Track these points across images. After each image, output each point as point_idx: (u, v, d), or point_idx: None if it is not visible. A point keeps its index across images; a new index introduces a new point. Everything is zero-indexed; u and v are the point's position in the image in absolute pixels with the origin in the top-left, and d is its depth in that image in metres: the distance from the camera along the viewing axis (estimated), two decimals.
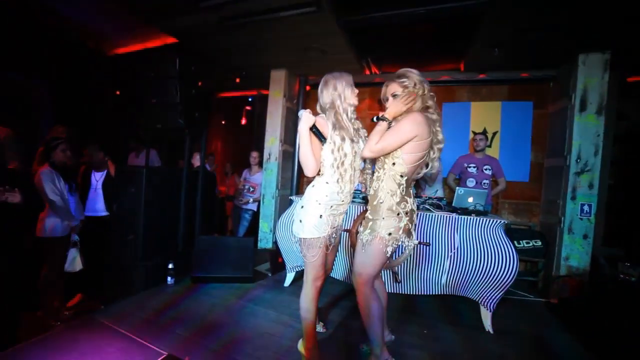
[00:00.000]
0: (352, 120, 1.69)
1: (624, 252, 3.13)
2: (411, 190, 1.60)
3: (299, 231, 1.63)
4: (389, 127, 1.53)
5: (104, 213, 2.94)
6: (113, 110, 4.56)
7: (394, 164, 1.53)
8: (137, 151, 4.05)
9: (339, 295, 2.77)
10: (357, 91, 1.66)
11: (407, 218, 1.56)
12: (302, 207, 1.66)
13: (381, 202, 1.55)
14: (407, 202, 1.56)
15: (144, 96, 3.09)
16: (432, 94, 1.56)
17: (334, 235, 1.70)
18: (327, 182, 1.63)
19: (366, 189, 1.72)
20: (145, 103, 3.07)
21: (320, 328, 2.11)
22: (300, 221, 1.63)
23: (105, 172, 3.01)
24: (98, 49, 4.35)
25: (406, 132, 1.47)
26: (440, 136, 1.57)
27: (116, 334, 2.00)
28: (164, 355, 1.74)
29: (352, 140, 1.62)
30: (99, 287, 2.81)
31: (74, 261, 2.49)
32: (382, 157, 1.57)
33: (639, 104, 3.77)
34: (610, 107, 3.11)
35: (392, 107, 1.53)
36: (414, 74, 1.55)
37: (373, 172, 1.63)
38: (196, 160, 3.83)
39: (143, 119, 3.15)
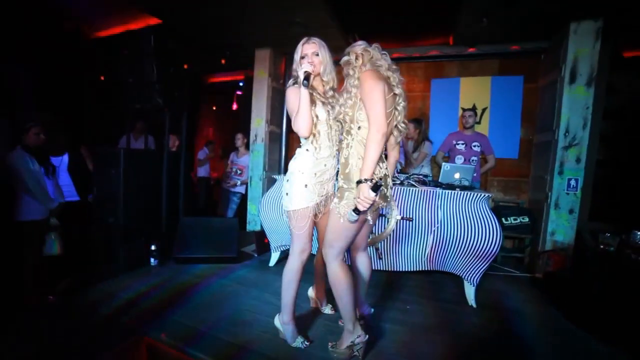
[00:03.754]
0: (327, 88, 1.68)
1: (612, 226, 3.12)
2: (382, 155, 1.54)
3: (288, 204, 1.63)
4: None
5: (74, 198, 2.86)
6: (96, 94, 4.45)
7: (359, 127, 1.47)
8: (135, 134, 3.94)
9: None
10: (308, 61, 1.60)
11: (382, 182, 1.51)
12: (287, 180, 1.65)
13: (353, 169, 1.50)
14: (380, 167, 1.51)
15: (121, 76, 2.99)
16: (383, 52, 1.49)
17: (323, 203, 1.66)
18: (307, 150, 1.62)
19: None
20: (123, 83, 2.97)
21: (328, 310, 2.10)
22: (287, 194, 1.63)
23: (65, 155, 2.89)
24: (79, 32, 4.20)
25: (378, 92, 1.38)
26: (398, 90, 1.48)
27: (94, 315, 1.99)
28: (140, 334, 1.73)
29: (323, 103, 1.61)
30: (82, 271, 2.80)
31: (53, 245, 2.45)
32: (347, 124, 1.51)
33: (634, 79, 3.69)
34: (600, 80, 3.03)
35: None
36: (355, 46, 1.50)
37: (341, 141, 1.56)
38: (172, 143, 3.75)
39: (122, 100, 3.06)
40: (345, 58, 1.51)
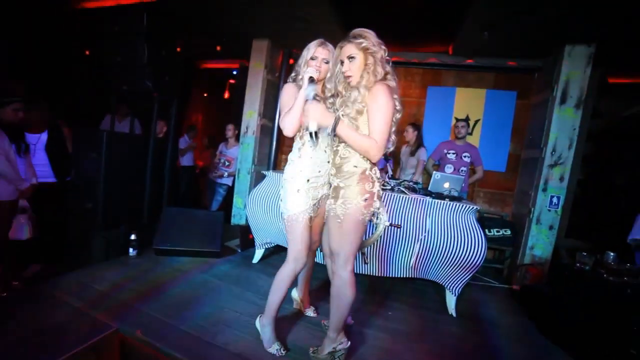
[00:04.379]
0: (327, 95, 1.62)
1: (586, 244, 3.25)
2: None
3: (283, 210, 1.62)
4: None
5: (50, 179, 2.68)
6: (80, 69, 4.19)
7: (357, 128, 1.44)
8: (119, 117, 3.72)
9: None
10: (317, 65, 1.55)
11: (379, 183, 1.50)
12: (282, 186, 1.64)
13: (355, 166, 1.46)
14: (376, 169, 1.50)
15: (109, 54, 2.82)
16: (388, 57, 1.44)
17: (317, 206, 1.63)
18: (300, 157, 1.60)
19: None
20: (110, 61, 2.81)
21: (311, 312, 2.07)
22: (282, 200, 1.63)
23: (44, 133, 2.69)
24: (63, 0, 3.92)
25: (389, 109, 1.38)
26: (398, 106, 1.46)
27: (64, 306, 1.88)
28: (113, 329, 1.65)
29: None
30: (54, 258, 2.65)
31: (21, 228, 2.30)
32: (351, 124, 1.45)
33: (616, 104, 3.86)
34: (587, 103, 3.13)
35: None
36: (371, 35, 1.42)
37: (334, 136, 1.45)
38: (160, 129, 3.59)
39: (109, 79, 2.90)
40: (362, 42, 1.39)
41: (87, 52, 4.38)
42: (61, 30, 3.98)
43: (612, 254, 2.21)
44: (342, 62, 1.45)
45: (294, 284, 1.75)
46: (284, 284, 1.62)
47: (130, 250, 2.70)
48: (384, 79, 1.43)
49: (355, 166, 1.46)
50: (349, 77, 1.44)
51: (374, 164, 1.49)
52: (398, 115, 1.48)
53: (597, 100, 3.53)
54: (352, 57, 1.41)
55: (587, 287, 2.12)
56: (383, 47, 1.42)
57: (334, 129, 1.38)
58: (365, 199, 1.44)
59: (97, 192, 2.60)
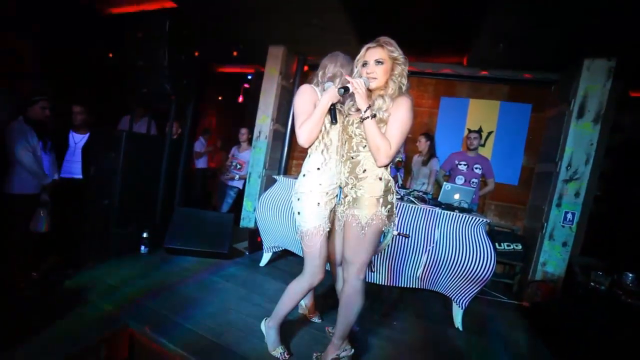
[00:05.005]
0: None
1: (603, 263, 3.15)
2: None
3: (301, 223, 1.58)
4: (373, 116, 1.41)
5: (79, 176, 2.83)
6: (104, 72, 4.37)
7: None
8: (136, 118, 3.85)
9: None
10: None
11: (394, 196, 1.51)
12: (298, 199, 1.59)
13: (380, 178, 1.46)
14: (392, 181, 1.52)
15: (131, 58, 2.94)
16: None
17: (330, 216, 1.62)
18: (318, 169, 1.56)
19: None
20: (132, 65, 2.92)
21: (316, 319, 2.07)
22: (299, 213, 1.58)
23: (87, 135, 2.89)
24: (92, 6, 4.12)
25: (409, 123, 1.42)
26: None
27: (77, 299, 1.94)
28: (123, 324, 1.70)
29: (340, 113, 1.58)
30: (70, 251, 2.74)
31: (41, 221, 2.40)
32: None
33: (637, 118, 3.75)
34: (607, 117, 3.06)
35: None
36: (396, 45, 1.44)
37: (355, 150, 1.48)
38: (175, 130, 3.70)
39: (130, 82, 3.02)
40: (393, 51, 1.41)
41: (111, 55, 4.57)
42: (88, 35, 4.17)
43: (630, 275, 2.14)
44: (364, 64, 1.46)
45: None
46: (297, 296, 1.62)
47: (142, 247, 2.78)
48: (407, 92, 1.46)
49: (380, 178, 1.46)
50: (372, 79, 1.44)
51: (390, 175, 1.50)
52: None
53: (618, 115, 3.45)
54: (380, 62, 1.42)
55: (602, 307, 2.05)
56: (407, 62, 1.45)
57: (365, 111, 1.37)
58: (388, 210, 1.46)
59: (114, 190, 2.69)
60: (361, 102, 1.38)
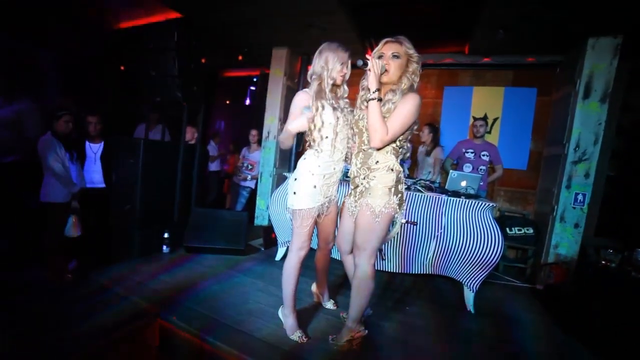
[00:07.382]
0: (339, 95, 1.73)
1: (617, 242, 3.12)
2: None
3: (294, 203, 1.67)
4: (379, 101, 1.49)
5: (102, 185, 2.96)
6: (118, 84, 4.60)
7: None
8: (151, 125, 4.04)
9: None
10: (346, 71, 1.65)
11: (404, 185, 1.61)
12: (296, 179, 1.69)
13: (392, 169, 1.55)
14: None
15: (144, 69, 3.11)
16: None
17: (326, 205, 1.73)
18: (316, 151, 1.66)
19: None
20: (145, 75, 3.09)
21: (330, 305, 2.17)
22: (295, 193, 1.67)
23: (102, 144, 3.04)
24: (103, 21, 4.34)
25: (411, 118, 1.49)
26: (417, 124, 1.60)
27: (110, 295, 2.11)
28: (153, 314, 1.85)
29: (334, 109, 1.65)
30: (99, 253, 2.94)
31: (73, 227, 2.59)
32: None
33: None
34: (615, 96, 3.03)
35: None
36: (411, 47, 1.52)
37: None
38: (192, 135, 3.86)
39: (144, 92, 3.19)
40: (410, 48, 1.51)
41: (122, 68, 4.79)
42: (100, 49, 4.40)
43: None
44: (380, 56, 1.53)
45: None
46: (293, 273, 1.73)
47: (164, 247, 2.95)
48: (417, 91, 1.54)
49: (392, 169, 1.56)
50: (385, 71, 1.51)
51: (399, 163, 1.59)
52: (415, 127, 1.58)
53: (628, 94, 3.39)
54: (396, 56, 1.50)
55: (613, 284, 2.07)
56: (420, 61, 1.53)
57: (374, 92, 1.45)
58: (399, 199, 1.57)
59: (135, 195, 2.87)
60: (372, 81, 1.46)
